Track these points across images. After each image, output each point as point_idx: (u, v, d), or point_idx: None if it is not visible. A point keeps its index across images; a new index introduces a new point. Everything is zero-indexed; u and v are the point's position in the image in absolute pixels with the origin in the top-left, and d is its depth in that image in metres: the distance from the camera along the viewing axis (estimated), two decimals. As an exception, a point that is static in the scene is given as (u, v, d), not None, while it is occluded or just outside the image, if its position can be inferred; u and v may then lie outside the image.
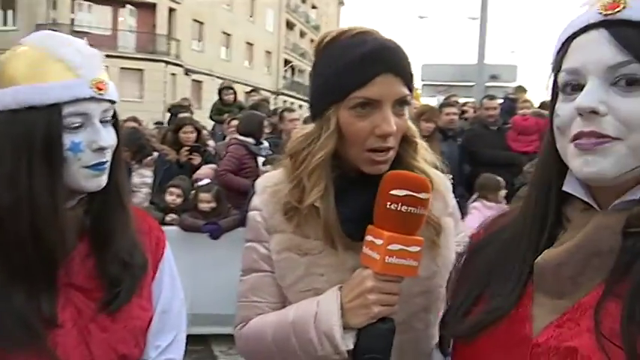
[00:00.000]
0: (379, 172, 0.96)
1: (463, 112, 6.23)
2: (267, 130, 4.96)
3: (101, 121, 0.92)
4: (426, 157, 1.06)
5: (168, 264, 1.09)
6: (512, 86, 8.75)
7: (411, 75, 0.99)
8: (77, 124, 0.89)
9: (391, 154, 0.98)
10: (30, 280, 0.86)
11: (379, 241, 0.88)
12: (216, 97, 7.32)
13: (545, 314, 0.68)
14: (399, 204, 0.87)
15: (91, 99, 0.90)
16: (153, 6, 24.32)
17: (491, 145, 5.05)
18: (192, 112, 6.87)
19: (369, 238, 0.91)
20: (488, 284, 0.76)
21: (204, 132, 5.49)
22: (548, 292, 0.69)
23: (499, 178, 4.06)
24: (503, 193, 4.03)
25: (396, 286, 0.91)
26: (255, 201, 1.08)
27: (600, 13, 0.64)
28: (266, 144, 4.69)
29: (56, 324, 0.87)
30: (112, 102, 0.95)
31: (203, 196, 3.97)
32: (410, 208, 0.88)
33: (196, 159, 4.73)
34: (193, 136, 4.81)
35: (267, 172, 1.23)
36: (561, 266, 0.67)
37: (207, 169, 4.65)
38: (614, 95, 0.63)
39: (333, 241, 0.98)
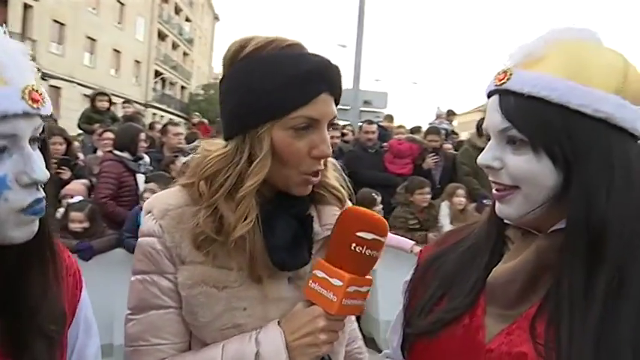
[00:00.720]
0: (307, 192, 0.95)
1: (343, 134, 6.54)
2: (144, 145, 4.68)
3: (31, 142, 0.70)
4: (333, 174, 1.04)
5: (84, 307, 0.93)
6: (383, 112, 9.41)
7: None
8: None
9: (320, 174, 0.96)
10: None
11: (338, 283, 0.85)
12: (76, 106, 6.73)
13: (496, 323, 0.77)
14: (365, 247, 0.86)
15: (24, 115, 0.68)
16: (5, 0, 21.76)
17: (370, 166, 5.33)
18: (55, 121, 6.25)
19: (320, 274, 0.88)
20: (450, 288, 0.83)
21: (76, 143, 5.01)
22: (498, 304, 0.77)
23: (374, 193, 4.29)
24: (378, 208, 4.26)
25: (342, 324, 0.91)
26: (152, 226, 0.93)
27: (494, 82, 0.77)
28: (146, 159, 4.42)
29: None
30: (45, 117, 0.73)
31: (75, 215, 3.58)
32: (372, 252, 0.87)
33: (65, 173, 4.28)
34: (62, 147, 4.36)
35: (151, 190, 1.13)
36: (509, 282, 0.76)
37: (77, 185, 4.23)
38: (507, 152, 0.76)
39: (256, 273, 0.91)
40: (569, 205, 0.73)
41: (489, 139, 0.80)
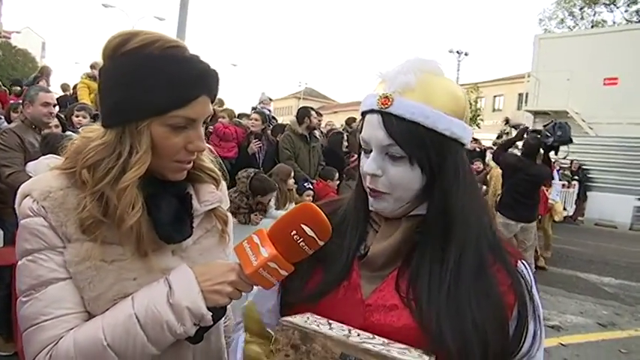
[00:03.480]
0: (182, 177, 1.07)
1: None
2: None
3: None
4: (208, 157, 1.18)
5: None
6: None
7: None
8: None
9: (192, 161, 1.08)
10: None
11: (264, 252, 0.94)
12: None
13: (369, 284, 0.99)
14: (301, 239, 0.93)
15: None
16: None
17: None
18: None
19: (255, 239, 0.96)
20: (324, 262, 1.01)
21: None
22: (371, 269, 1.00)
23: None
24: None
25: (248, 289, 1.00)
26: (34, 207, 0.97)
27: (377, 105, 0.96)
28: None
29: None
30: None
31: None
32: (306, 247, 0.94)
33: None
34: None
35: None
36: (384, 255, 0.99)
37: None
38: (387, 163, 0.97)
39: (143, 248, 1.00)
40: (429, 200, 0.97)
41: (366, 151, 0.99)
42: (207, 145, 1.12)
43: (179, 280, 0.98)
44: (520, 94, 28.45)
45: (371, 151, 0.98)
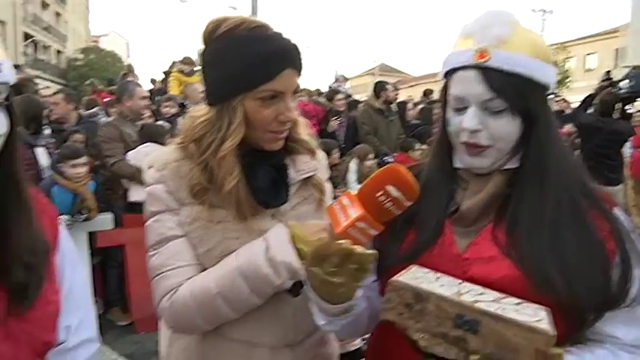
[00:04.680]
0: (278, 147, 1.16)
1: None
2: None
3: None
4: (304, 130, 1.25)
5: (65, 242, 1.04)
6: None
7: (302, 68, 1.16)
8: None
9: (287, 132, 1.16)
10: None
11: (353, 212, 0.95)
12: None
13: (462, 239, 1.01)
14: (387, 200, 0.93)
15: None
16: None
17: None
18: None
19: (345, 201, 1.00)
20: (410, 224, 1.04)
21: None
22: (464, 224, 1.01)
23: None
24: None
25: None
26: (155, 175, 1.13)
27: (474, 59, 0.95)
28: (47, 131, 4.19)
29: None
30: (6, 84, 0.86)
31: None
32: (393, 207, 0.94)
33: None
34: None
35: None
36: (477, 209, 1.00)
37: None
38: (487, 117, 0.96)
39: (242, 212, 1.12)
40: (524, 151, 0.97)
41: (459, 108, 0.98)
42: (302, 118, 1.21)
43: (275, 238, 1.09)
44: (617, 50, 26.12)
45: (464, 108, 0.97)
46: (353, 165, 4.89)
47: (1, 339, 0.85)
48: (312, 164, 1.24)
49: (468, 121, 0.96)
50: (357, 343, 1.53)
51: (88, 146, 4.21)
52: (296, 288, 1.12)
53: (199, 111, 1.16)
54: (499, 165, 0.99)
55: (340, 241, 0.88)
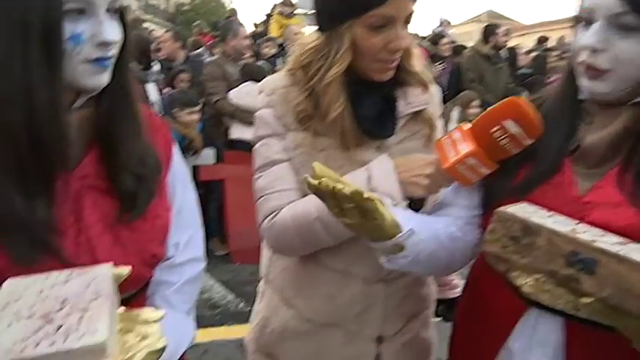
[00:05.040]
0: (387, 78, 1.08)
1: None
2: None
3: (107, 11, 0.83)
4: (417, 61, 1.16)
5: (178, 162, 1.07)
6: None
7: None
8: (79, 12, 0.79)
9: (397, 62, 1.08)
10: (25, 182, 0.79)
11: (464, 148, 0.89)
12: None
13: (584, 181, 0.89)
14: (504, 136, 0.86)
15: None
16: None
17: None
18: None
19: (456, 135, 0.93)
20: (531, 155, 0.93)
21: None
22: (587, 165, 0.89)
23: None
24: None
25: (445, 184, 1.03)
26: (265, 100, 1.13)
27: None
28: (156, 67, 4.41)
29: (54, 229, 0.81)
30: None
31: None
32: (509, 145, 0.87)
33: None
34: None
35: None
36: (602, 146, 0.88)
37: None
38: (613, 36, 0.82)
39: (346, 141, 1.08)
40: None
41: (585, 23, 0.86)
42: (417, 49, 1.11)
43: (378, 169, 1.05)
44: None
45: (590, 23, 0.85)
46: (455, 113, 4.66)
47: (111, 244, 0.88)
48: (424, 98, 1.16)
49: (589, 37, 0.83)
50: (458, 292, 1.46)
51: (194, 84, 4.38)
52: None
53: (309, 38, 1.14)
54: (623, 96, 0.85)
55: (340, 185, 0.82)
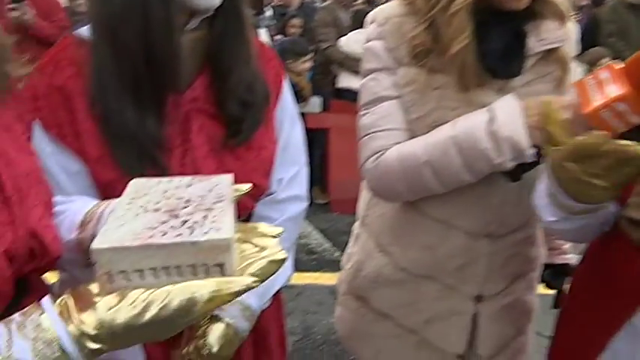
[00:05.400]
0: (523, 6, 0.93)
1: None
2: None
3: None
4: None
5: (287, 97, 1.05)
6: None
7: None
8: None
9: None
10: (139, 97, 0.82)
11: (612, 90, 0.75)
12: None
13: None
14: None
15: None
16: None
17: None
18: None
19: (604, 74, 0.78)
20: None
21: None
22: None
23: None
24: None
25: (583, 133, 0.85)
26: (376, 31, 1.04)
27: None
28: (269, 13, 4.44)
29: (162, 146, 0.84)
30: None
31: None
32: None
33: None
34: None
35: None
36: None
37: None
38: None
39: (466, 80, 0.96)
40: None
41: None
42: None
43: (503, 110, 0.92)
44: None
45: None
46: (579, 71, 4.16)
47: (215, 168, 0.89)
48: (559, 34, 0.99)
49: None
50: (569, 258, 1.30)
51: (305, 31, 4.35)
52: (517, 172, 0.95)
53: None
54: None
55: (623, 142, 0.72)
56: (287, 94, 1.05)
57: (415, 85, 0.99)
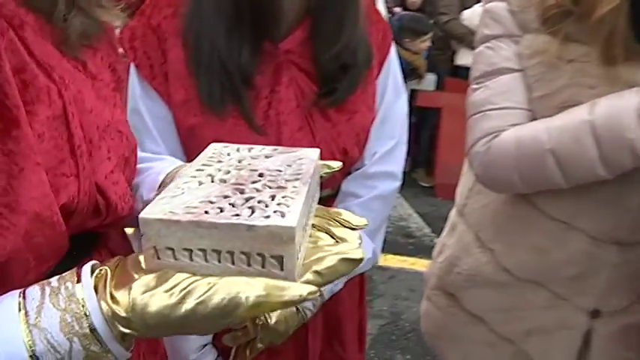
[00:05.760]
0: None
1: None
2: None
3: None
4: None
5: (394, 66, 0.95)
6: None
7: None
8: None
9: None
10: (236, 33, 0.79)
11: None
12: None
13: None
14: None
15: None
16: None
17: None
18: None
19: None
20: None
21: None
22: None
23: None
24: None
25: None
26: None
27: None
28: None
29: (249, 85, 0.80)
30: None
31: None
32: None
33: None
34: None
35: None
36: None
37: None
38: None
39: (612, 51, 0.78)
40: None
41: None
42: None
43: None
44: None
45: None
46: None
47: (300, 126, 0.84)
48: None
49: None
50: None
51: (425, 3, 4.12)
52: None
53: None
54: None
55: None
56: (393, 61, 0.95)
57: (544, 57, 0.83)
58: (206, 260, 0.41)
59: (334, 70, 0.84)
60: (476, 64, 0.92)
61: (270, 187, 0.45)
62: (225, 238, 0.40)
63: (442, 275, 1.08)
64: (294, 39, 0.84)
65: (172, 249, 0.41)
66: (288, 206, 0.42)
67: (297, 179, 0.47)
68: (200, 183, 0.47)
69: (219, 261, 0.40)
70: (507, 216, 0.96)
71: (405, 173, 1.02)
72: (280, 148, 0.54)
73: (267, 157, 0.52)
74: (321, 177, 0.54)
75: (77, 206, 0.49)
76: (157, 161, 0.69)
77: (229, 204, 0.42)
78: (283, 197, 0.43)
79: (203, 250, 0.40)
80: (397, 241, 3.13)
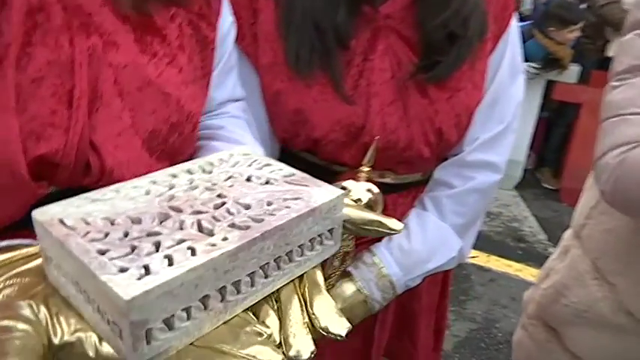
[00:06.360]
0: None
1: None
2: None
3: None
4: None
5: (512, 38, 0.81)
6: None
7: None
8: None
9: None
10: None
11: None
12: None
13: None
14: None
15: None
16: None
17: None
18: None
19: None
20: None
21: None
22: None
23: None
24: None
25: None
26: None
27: None
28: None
29: (342, 47, 0.73)
30: None
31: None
32: None
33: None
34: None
35: None
36: None
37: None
38: None
39: None
40: None
41: None
42: None
43: None
44: None
45: None
46: None
47: (391, 100, 0.75)
48: None
49: None
50: None
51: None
52: None
53: None
54: None
55: None
56: (513, 35, 0.81)
57: None
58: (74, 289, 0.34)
59: (440, 41, 0.73)
60: (621, 55, 0.74)
61: (199, 225, 0.36)
62: (80, 274, 0.32)
63: (544, 304, 0.91)
64: (396, 2, 0.74)
65: (52, 259, 0.35)
66: (171, 264, 0.31)
67: (247, 227, 0.35)
68: (147, 192, 0.39)
69: (80, 292, 0.33)
70: (636, 246, 0.78)
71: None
72: (307, 178, 0.44)
73: (267, 182, 0.43)
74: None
75: (61, 160, 0.46)
76: (231, 144, 0.62)
77: (123, 234, 0.34)
78: (189, 248, 0.33)
79: (67, 275, 0.33)
80: (506, 243, 2.89)
